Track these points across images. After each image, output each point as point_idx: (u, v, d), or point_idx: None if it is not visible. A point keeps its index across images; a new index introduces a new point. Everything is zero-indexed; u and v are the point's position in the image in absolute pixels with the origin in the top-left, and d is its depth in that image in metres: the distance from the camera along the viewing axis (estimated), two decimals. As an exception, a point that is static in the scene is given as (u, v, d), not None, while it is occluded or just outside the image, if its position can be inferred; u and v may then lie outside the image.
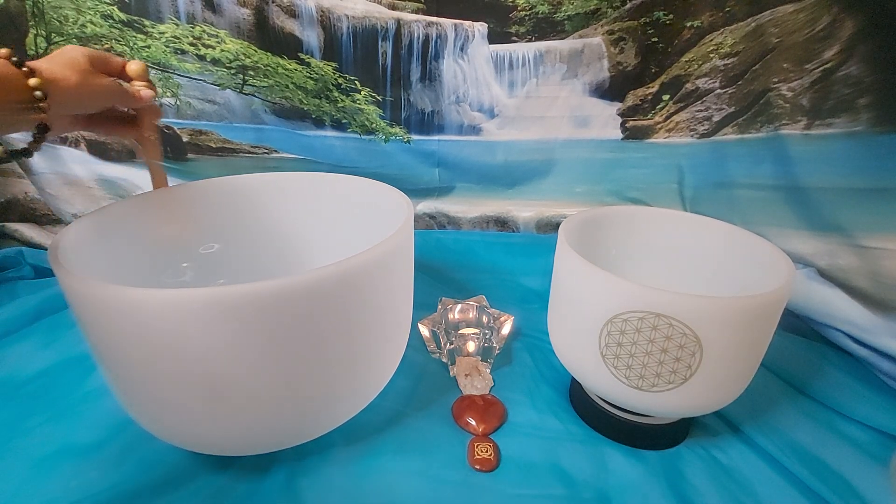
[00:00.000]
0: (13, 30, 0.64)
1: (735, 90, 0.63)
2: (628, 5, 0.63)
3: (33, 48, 0.65)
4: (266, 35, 0.66)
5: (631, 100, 0.68)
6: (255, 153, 0.74)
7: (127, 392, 0.35)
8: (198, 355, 0.30)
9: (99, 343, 0.33)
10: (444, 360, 0.54)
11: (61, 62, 0.34)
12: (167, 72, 0.67)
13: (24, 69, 0.31)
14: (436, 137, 0.73)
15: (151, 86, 0.41)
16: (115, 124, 0.43)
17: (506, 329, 0.56)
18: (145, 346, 0.30)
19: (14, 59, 0.31)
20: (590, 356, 0.39)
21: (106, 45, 0.65)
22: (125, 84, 0.40)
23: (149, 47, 0.66)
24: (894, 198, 0.52)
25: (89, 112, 0.39)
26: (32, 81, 0.31)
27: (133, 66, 0.40)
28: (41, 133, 0.34)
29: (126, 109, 0.43)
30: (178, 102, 0.70)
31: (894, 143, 0.51)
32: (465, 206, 0.77)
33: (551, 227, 0.76)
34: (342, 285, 0.33)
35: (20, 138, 0.69)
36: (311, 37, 0.66)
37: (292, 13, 0.65)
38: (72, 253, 0.35)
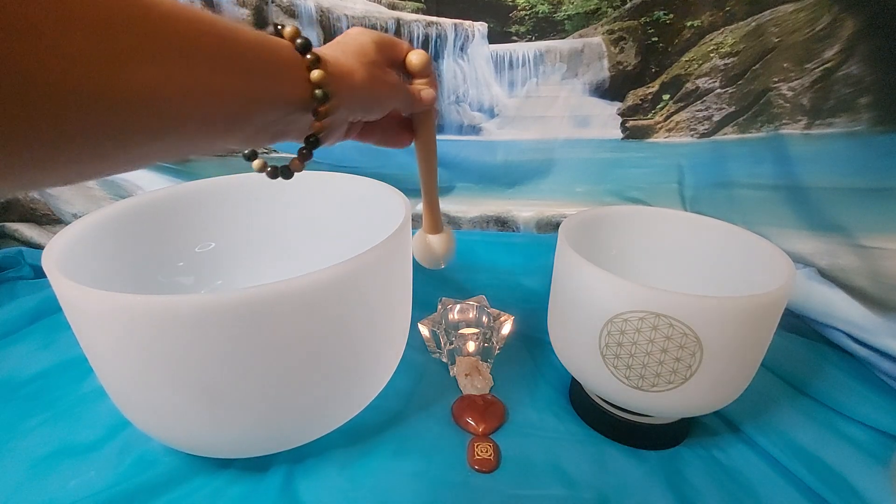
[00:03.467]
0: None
1: (735, 90, 0.63)
2: (628, 5, 0.63)
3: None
4: (265, 35, 0.66)
5: (631, 99, 0.68)
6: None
7: (122, 397, 0.35)
8: (193, 360, 0.30)
9: (93, 349, 0.33)
10: (444, 360, 0.54)
11: (351, 51, 0.27)
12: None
13: (309, 57, 0.23)
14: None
15: (433, 82, 0.33)
16: (392, 132, 0.35)
17: (506, 329, 0.56)
18: (139, 352, 0.30)
19: (299, 40, 0.23)
20: (590, 356, 0.39)
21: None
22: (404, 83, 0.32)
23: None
24: (895, 197, 0.52)
25: (371, 119, 0.30)
26: (315, 75, 0.23)
27: (415, 59, 0.31)
28: (310, 147, 0.26)
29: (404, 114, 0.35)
30: (177, 102, 0.70)
31: (894, 143, 0.51)
32: (465, 206, 0.77)
33: (551, 226, 0.76)
34: (340, 287, 0.33)
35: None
36: (311, 36, 0.66)
37: (291, 13, 0.65)
38: (67, 255, 0.35)
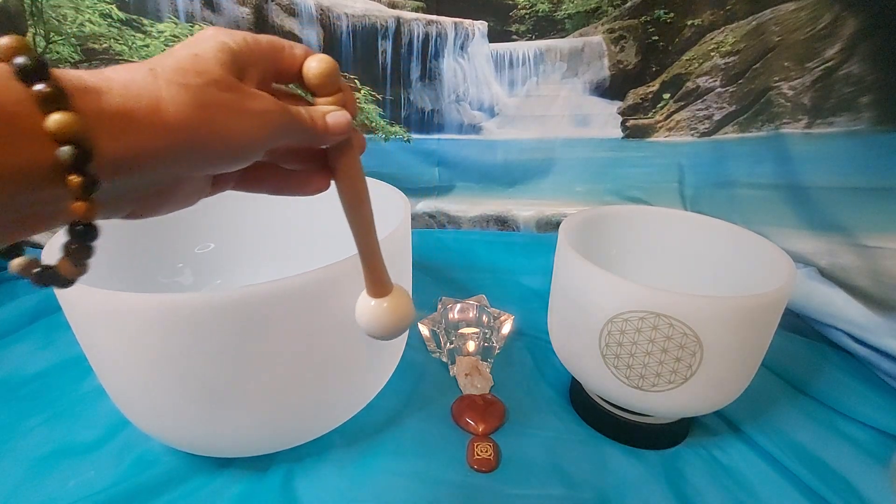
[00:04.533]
0: (12, 29, 0.64)
1: (736, 89, 0.62)
2: (629, 4, 0.63)
3: (32, 47, 0.65)
4: (265, 34, 0.66)
5: (631, 99, 0.68)
6: (255, 152, 0.74)
7: (122, 396, 0.35)
8: (193, 359, 0.30)
9: (93, 348, 0.33)
10: (444, 359, 0.54)
11: (172, 67, 0.17)
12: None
13: (42, 89, 0.14)
14: (436, 136, 0.73)
15: (348, 99, 0.23)
16: (294, 177, 0.25)
17: (506, 329, 0.56)
18: (139, 351, 0.30)
19: (21, 59, 0.14)
20: (590, 356, 0.39)
21: (104, 45, 0.65)
22: (292, 107, 0.21)
23: (147, 46, 0.65)
24: (895, 197, 0.52)
25: (225, 170, 0.20)
26: (57, 121, 0.13)
27: (313, 67, 0.22)
28: (81, 239, 0.16)
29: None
30: (177, 101, 0.69)
31: (895, 142, 0.51)
32: (465, 206, 0.77)
33: (551, 226, 0.75)
34: (339, 286, 0.33)
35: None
36: (311, 35, 0.66)
37: (292, 12, 0.65)
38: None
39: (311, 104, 0.22)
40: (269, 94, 0.20)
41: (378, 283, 0.29)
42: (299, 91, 0.24)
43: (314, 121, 0.21)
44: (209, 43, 0.19)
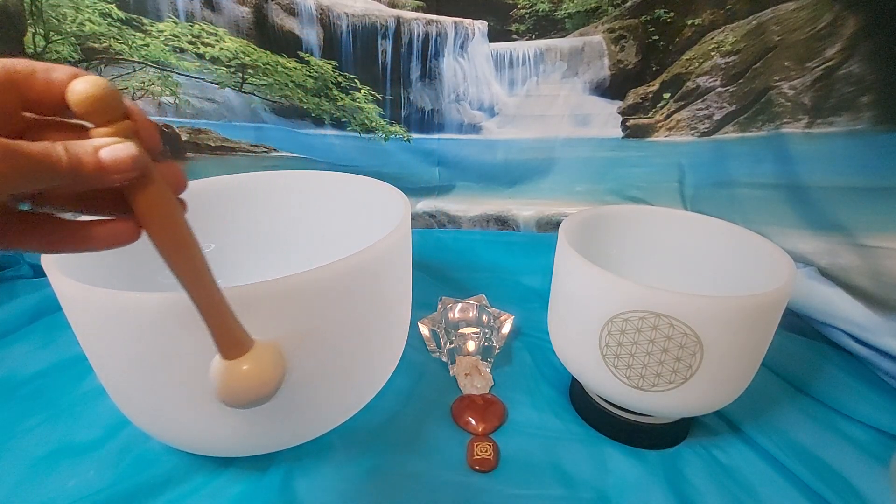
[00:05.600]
0: (11, 28, 0.64)
1: (736, 88, 0.62)
2: (629, 3, 0.62)
3: (31, 47, 0.65)
4: (265, 33, 0.66)
5: (631, 98, 0.68)
6: (255, 152, 0.74)
7: (122, 395, 0.35)
8: (192, 358, 0.30)
9: (92, 347, 0.33)
10: (444, 359, 0.54)
11: None
12: (166, 70, 0.67)
13: None
14: (436, 136, 0.73)
15: (141, 128, 0.20)
16: (79, 228, 0.21)
17: (506, 328, 0.56)
18: (139, 350, 0.30)
19: None
20: (590, 356, 0.39)
21: (104, 44, 0.65)
22: (35, 144, 0.17)
23: (147, 46, 0.65)
24: (895, 197, 0.52)
25: None
26: None
27: (78, 92, 0.18)
28: None
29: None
30: (177, 101, 0.69)
31: (895, 142, 0.51)
32: (465, 205, 0.77)
33: (552, 225, 0.75)
34: (339, 285, 0.33)
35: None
36: (311, 35, 0.66)
37: (291, 11, 0.65)
38: (66, 254, 0.35)
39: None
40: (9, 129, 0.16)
41: (228, 341, 0.24)
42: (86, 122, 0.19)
43: (77, 158, 0.17)
44: None
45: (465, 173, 0.75)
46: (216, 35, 0.65)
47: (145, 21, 0.64)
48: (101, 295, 0.28)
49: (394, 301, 0.40)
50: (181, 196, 0.23)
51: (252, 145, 0.74)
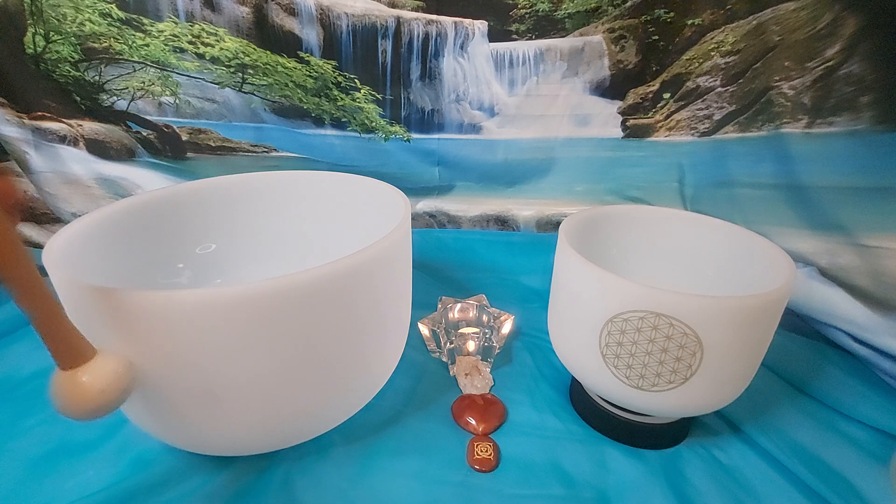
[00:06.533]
0: (12, 28, 0.64)
1: (736, 88, 0.62)
2: (629, 3, 0.62)
3: (31, 47, 0.65)
4: (265, 33, 0.66)
5: (631, 98, 0.68)
6: (255, 152, 0.74)
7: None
8: (192, 357, 0.30)
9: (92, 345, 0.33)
10: (444, 359, 0.54)
11: None
12: (166, 70, 0.67)
13: None
14: (436, 136, 0.73)
15: None
16: None
17: (506, 328, 0.56)
18: (138, 349, 0.30)
19: None
20: (590, 356, 0.39)
21: (104, 44, 0.65)
22: None
23: (147, 46, 0.65)
24: (895, 197, 0.52)
25: None
26: None
27: None
28: None
29: None
30: (177, 101, 0.69)
31: (895, 142, 0.51)
32: (465, 205, 0.77)
33: (552, 225, 0.75)
34: (339, 284, 0.33)
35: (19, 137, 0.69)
36: (311, 35, 0.66)
37: (291, 11, 0.65)
38: (66, 254, 0.35)
39: None
40: None
41: (63, 352, 0.23)
42: None
43: None
44: None
45: (465, 173, 0.75)
46: (216, 35, 0.65)
47: (145, 21, 0.64)
48: (101, 294, 0.28)
49: (394, 301, 0.40)
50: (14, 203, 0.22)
51: (252, 145, 0.74)
